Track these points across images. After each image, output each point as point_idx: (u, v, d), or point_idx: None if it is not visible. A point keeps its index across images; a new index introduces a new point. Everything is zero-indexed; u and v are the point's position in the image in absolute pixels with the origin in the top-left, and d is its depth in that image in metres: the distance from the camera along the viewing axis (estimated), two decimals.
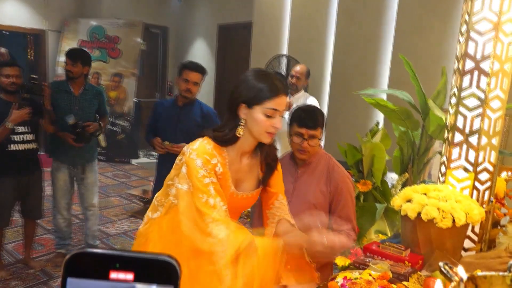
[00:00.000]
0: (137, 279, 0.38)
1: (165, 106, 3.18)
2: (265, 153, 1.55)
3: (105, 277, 0.38)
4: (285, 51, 5.61)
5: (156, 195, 1.59)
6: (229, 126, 1.46)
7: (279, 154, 3.80)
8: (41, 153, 3.34)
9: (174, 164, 1.52)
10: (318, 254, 1.41)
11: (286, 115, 3.93)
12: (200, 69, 3.00)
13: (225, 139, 1.45)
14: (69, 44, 7.12)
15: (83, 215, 3.56)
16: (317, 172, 2.04)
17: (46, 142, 6.85)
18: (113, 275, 0.38)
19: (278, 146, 3.99)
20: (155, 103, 3.34)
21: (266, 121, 1.41)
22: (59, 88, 3.30)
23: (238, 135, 1.45)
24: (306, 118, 1.96)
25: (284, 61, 5.25)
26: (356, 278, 1.56)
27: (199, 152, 1.41)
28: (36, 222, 3.44)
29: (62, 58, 7.09)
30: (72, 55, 3.27)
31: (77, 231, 4.05)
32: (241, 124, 1.44)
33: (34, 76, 3.15)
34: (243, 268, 1.33)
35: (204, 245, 1.34)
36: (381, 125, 3.23)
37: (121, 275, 0.38)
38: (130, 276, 0.38)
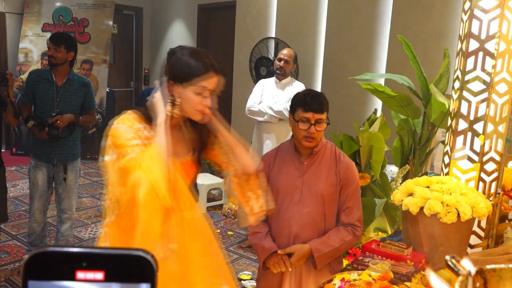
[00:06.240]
0: (108, 278, 0.37)
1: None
2: (200, 131, 1.65)
3: (71, 278, 0.37)
4: (272, 33, 5.60)
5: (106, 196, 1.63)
6: None
7: (271, 147, 3.81)
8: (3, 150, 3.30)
9: None
10: None
11: (274, 106, 3.97)
12: None
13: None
14: (32, 28, 7.01)
15: (57, 218, 3.52)
16: (324, 163, 2.07)
17: (8, 137, 6.79)
18: (80, 275, 0.37)
19: (270, 141, 4.04)
20: (142, 91, 3.31)
21: (196, 98, 1.52)
22: (41, 76, 3.28)
23: (169, 113, 1.53)
24: (312, 101, 1.99)
25: (272, 45, 5.25)
26: (354, 280, 1.58)
27: (121, 120, 1.52)
28: (0, 227, 3.40)
29: (24, 44, 7.01)
30: (55, 39, 3.25)
31: (51, 237, 4.02)
32: (177, 103, 1.53)
33: None
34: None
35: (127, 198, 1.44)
36: (379, 113, 3.26)
37: (89, 275, 0.37)
38: (99, 275, 0.37)
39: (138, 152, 1.45)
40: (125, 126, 1.50)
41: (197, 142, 1.67)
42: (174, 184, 1.51)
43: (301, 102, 2.01)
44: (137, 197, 1.39)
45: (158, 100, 1.52)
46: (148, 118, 1.55)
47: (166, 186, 1.42)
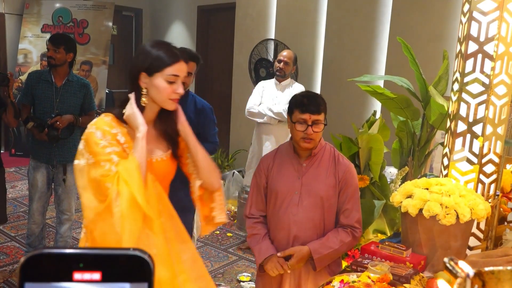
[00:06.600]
0: (105, 278, 0.37)
1: None
2: (165, 126, 1.69)
3: (68, 278, 0.37)
4: (272, 35, 5.61)
5: None
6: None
7: (271, 149, 3.81)
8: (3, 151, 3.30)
9: None
10: None
11: (273, 108, 3.98)
12: (193, 57, 2.91)
13: None
14: (31, 29, 7.01)
15: (57, 220, 3.52)
16: (323, 164, 2.07)
17: (7, 138, 6.78)
18: (77, 276, 0.37)
19: (269, 142, 4.04)
20: None
21: (168, 87, 1.58)
22: (40, 77, 3.29)
23: (144, 105, 1.59)
24: (308, 102, 2.00)
25: (271, 46, 5.25)
26: (353, 282, 1.58)
27: (97, 125, 1.55)
28: None
29: (23, 45, 7.01)
30: (55, 40, 3.26)
31: (50, 238, 4.01)
32: (143, 93, 1.59)
33: None
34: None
35: (103, 207, 1.47)
36: (378, 115, 3.26)
37: (86, 275, 0.37)
38: (96, 275, 0.37)
39: (113, 162, 1.49)
40: (100, 132, 1.53)
41: (171, 138, 1.70)
42: (150, 193, 1.55)
43: (298, 103, 2.02)
44: (118, 209, 1.43)
45: (135, 113, 1.56)
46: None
47: (143, 197, 1.47)
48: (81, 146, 1.55)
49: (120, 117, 1.59)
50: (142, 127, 1.54)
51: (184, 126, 1.68)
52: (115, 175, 1.47)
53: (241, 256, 3.97)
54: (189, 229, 2.92)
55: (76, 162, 1.55)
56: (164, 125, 1.69)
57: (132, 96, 1.59)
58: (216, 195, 1.75)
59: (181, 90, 1.61)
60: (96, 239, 1.54)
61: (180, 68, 1.60)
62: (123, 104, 1.62)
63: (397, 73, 3.43)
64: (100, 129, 1.53)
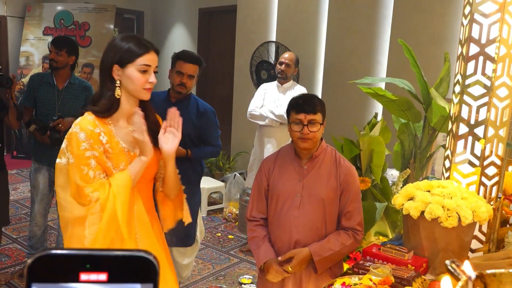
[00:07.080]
0: (111, 279, 0.38)
1: (155, 101, 3.05)
2: (147, 120, 1.69)
3: (75, 279, 0.37)
4: (273, 37, 5.61)
5: None
6: (106, 93, 1.65)
7: (272, 151, 3.81)
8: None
9: None
10: None
11: (275, 110, 3.98)
12: (196, 60, 2.89)
13: (107, 106, 1.64)
14: (33, 31, 7.03)
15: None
16: (324, 167, 2.07)
17: (8, 140, 6.79)
18: (84, 276, 0.37)
19: (271, 144, 4.04)
20: None
21: (141, 77, 1.63)
22: (42, 80, 3.31)
23: (118, 96, 1.64)
24: (304, 103, 2.02)
25: (272, 48, 5.26)
26: (355, 284, 1.58)
27: (82, 125, 1.60)
28: (1, 230, 3.40)
29: (25, 47, 7.02)
30: (57, 42, 3.28)
31: (51, 240, 4.01)
32: (117, 85, 1.64)
33: None
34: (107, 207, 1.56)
35: (83, 212, 1.55)
36: (379, 117, 3.26)
37: (93, 276, 0.38)
38: (103, 276, 0.38)
39: (91, 167, 1.55)
40: (84, 133, 1.58)
41: (152, 132, 1.72)
42: (130, 209, 1.62)
43: (294, 104, 2.04)
44: (97, 220, 1.52)
45: (146, 143, 1.61)
46: (104, 112, 1.63)
47: (125, 215, 1.54)
48: (63, 145, 1.59)
49: (102, 116, 1.63)
50: (144, 159, 1.62)
51: (169, 154, 1.69)
52: (104, 186, 1.54)
53: (242, 259, 3.96)
54: (197, 206, 2.98)
55: (57, 160, 1.59)
56: (145, 119, 1.72)
57: (138, 113, 1.61)
58: (176, 197, 1.83)
59: (154, 79, 1.66)
60: (65, 240, 1.61)
61: (151, 58, 1.65)
62: (98, 102, 1.65)
63: (399, 75, 3.43)
64: (84, 129, 1.58)
